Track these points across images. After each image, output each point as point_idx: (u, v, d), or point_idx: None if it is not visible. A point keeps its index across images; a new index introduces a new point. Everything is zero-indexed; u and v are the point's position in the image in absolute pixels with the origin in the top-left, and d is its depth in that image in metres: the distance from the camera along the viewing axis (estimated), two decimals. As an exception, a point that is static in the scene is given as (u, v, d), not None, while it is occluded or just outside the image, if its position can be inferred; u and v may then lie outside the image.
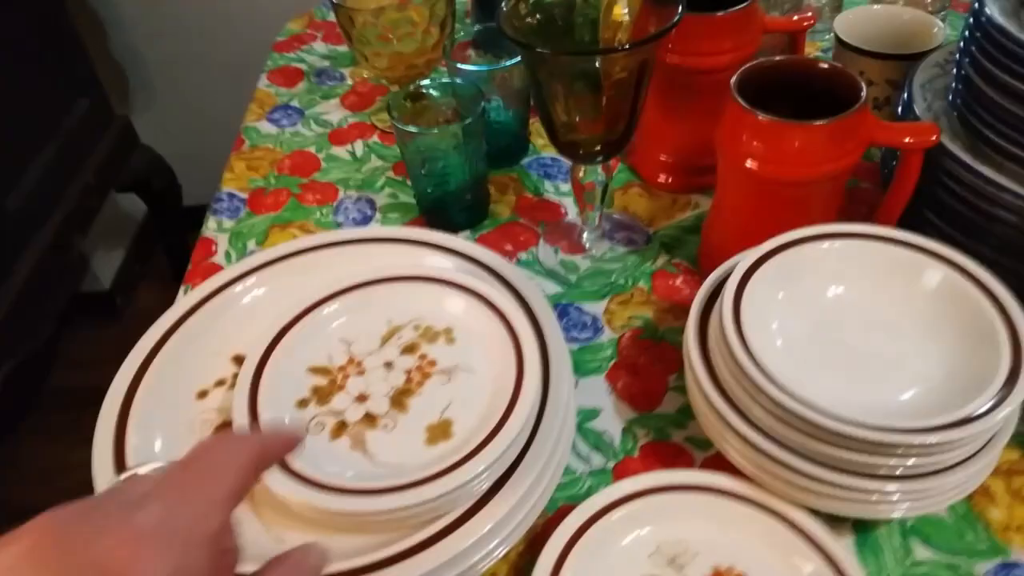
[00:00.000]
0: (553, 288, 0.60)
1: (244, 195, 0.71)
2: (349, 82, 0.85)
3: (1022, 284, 0.44)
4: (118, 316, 1.59)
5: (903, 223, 0.53)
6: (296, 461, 0.40)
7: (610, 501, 0.42)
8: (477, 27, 0.71)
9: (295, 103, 0.82)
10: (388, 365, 0.47)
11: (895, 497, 0.40)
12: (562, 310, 0.58)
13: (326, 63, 0.88)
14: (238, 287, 0.52)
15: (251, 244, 0.66)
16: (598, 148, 0.54)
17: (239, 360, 0.48)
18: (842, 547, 0.40)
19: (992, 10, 0.48)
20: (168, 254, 1.59)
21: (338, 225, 0.67)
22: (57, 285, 1.16)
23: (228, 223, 0.68)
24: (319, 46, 0.91)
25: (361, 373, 0.46)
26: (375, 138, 0.76)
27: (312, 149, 0.76)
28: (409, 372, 0.46)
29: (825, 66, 0.52)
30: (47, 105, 1.16)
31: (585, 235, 0.62)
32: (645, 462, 0.48)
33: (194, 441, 0.44)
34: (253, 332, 0.48)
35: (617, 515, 0.42)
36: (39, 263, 1.08)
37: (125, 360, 0.47)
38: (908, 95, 0.57)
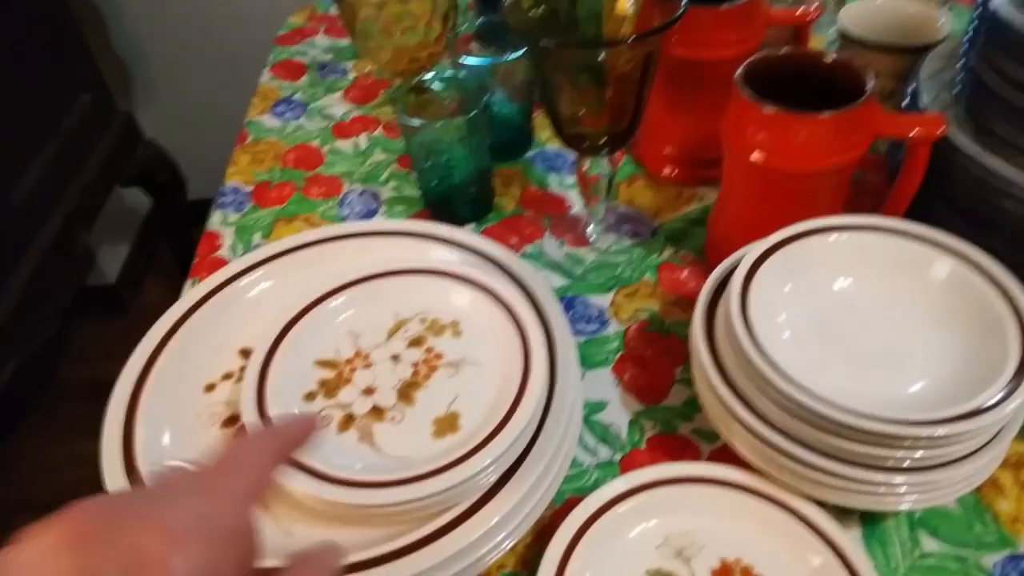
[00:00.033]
0: (559, 281, 0.60)
1: (249, 189, 0.71)
2: (352, 75, 0.84)
3: (1030, 275, 0.44)
4: (124, 310, 1.59)
5: (910, 215, 0.53)
6: (304, 454, 0.40)
7: (617, 493, 0.42)
8: (480, 20, 0.70)
9: (298, 96, 0.82)
10: (395, 358, 0.47)
11: (903, 489, 0.40)
12: (568, 303, 0.58)
13: (328, 56, 0.88)
14: (244, 280, 0.52)
15: (256, 238, 0.66)
16: (603, 141, 0.54)
17: (246, 353, 0.49)
18: (849, 539, 0.40)
19: (999, 2, 0.48)
20: (173, 248, 1.59)
21: (343, 218, 0.67)
22: (62, 280, 1.16)
23: (233, 217, 0.68)
24: (321, 39, 0.91)
25: (368, 366, 0.46)
26: (379, 131, 0.76)
27: (316, 143, 0.75)
28: (416, 365, 0.46)
29: (831, 58, 0.52)
30: (49, 101, 1.16)
31: (590, 228, 0.62)
32: (652, 454, 0.48)
33: (202, 435, 0.45)
34: (260, 325, 0.48)
35: (624, 507, 0.42)
36: (44, 258, 1.08)
37: (132, 354, 0.47)
38: (914, 88, 0.57)
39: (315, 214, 0.68)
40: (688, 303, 0.57)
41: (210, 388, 0.47)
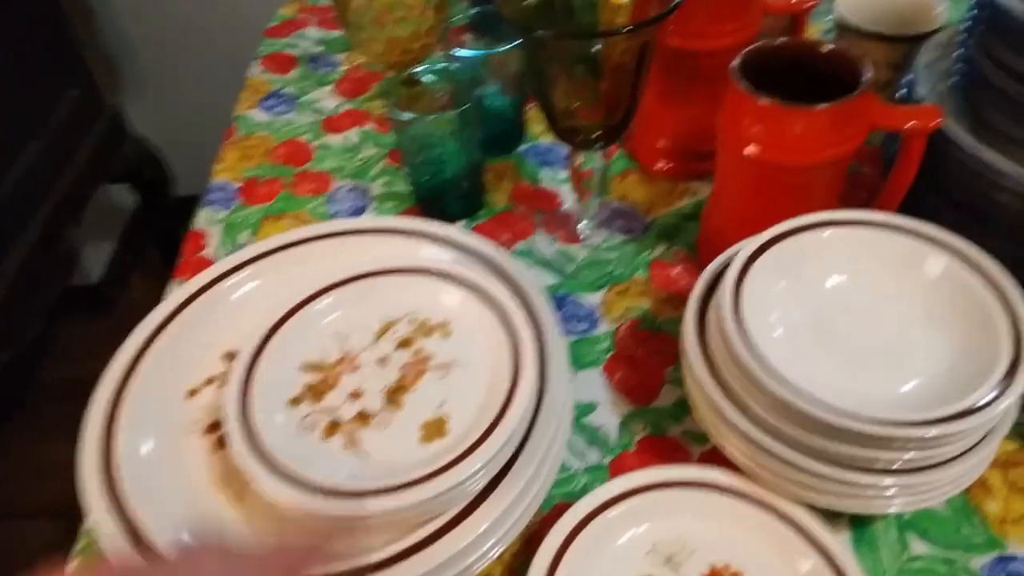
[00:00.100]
0: (550, 279, 0.59)
1: (237, 185, 0.70)
2: (343, 68, 0.83)
3: (1025, 270, 0.43)
4: (109, 309, 1.57)
5: (905, 208, 0.52)
6: (289, 462, 0.39)
7: (606, 499, 0.42)
8: (473, 11, 0.69)
9: (288, 90, 0.81)
10: (383, 361, 0.46)
11: (892, 492, 0.39)
12: (559, 301, 0.57)
13: (320, 48, 0.87)
14: (229, 281, 0.51)
15: (244, 236, 0.65)
16: (598, 134, 0.53)
17: (230, 356, 0.48)
18: (839, 543, 0.40)
19: (998, -10, 0.47)
20: (159, 246, 1.58)
21: (332, 215, 0.66)
22: (47, 278, 1.15)
23: (220, 214, 0.67)
24: (312, 31, 0.90)
25: (355, 369, 0.46)
26: (370, 125, 0.75)
27: (306, 137, 0.75)
28: (404, 368, 0.46)
29: (827, 49, 0.51)
30: (35, 96, 1.15)
31: (583, 224, 0.61)
32: (641, 457, 0.48)
33: (183, 442, 0.44)
34: (245, 327, 0.47)
35: (613, 513, 0.41)
36: (29, 256, 1.07)
37: (112, 360, 0.46)
38: (911, 78, 0.56)
39: (304, 211, 0.67)
40: (680, 300, 0.56)
41: (192, 393, 0.46)
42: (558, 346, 0.46)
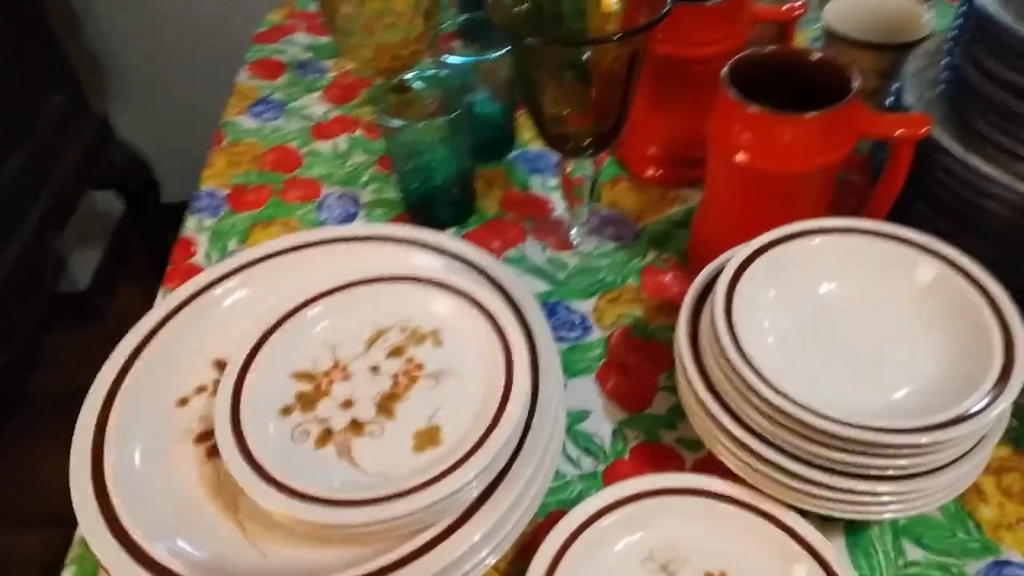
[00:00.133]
0: (541, 286, 0.59)
1: (225, 192, 0.69)
2: (332, 74, 0.83)
3: (1013, 276, 0.43)
4: (97, 316, 1.56)
5: (893, 215, 0.52)
6: (281, 471, 0.39)
7: (601, 506, 0.41)
8: (463, 17, 0.69)
9: (277, 96, 0.80)
10: (374, 369, 0.46)
11: (886, 498, 0.39)
12: (551, 308, 0.57)
13: (308, 55, 0.86)
14: (219, 289, 0.51)
15: (232, 243, 0.64)
16: (588, 141, 0.53)
17: (220, 365, 0.47)
18: (834, 549, 0.40)
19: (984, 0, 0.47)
20: (148, 252, 1.56)
21: (322, 222, 0.66)
22: (34, 287, 1.14)
23: (208, 222, 0.67)
24: (301, 37, 0.89)
25: (347, 378, 0.45)
26: (359, 132, 0.75)
27: (294, 144, 0.74)
28: (396, 376, 0.45)
29: (816, 57, 0.51)
30: (20, 102, 1.13)
31: (573, 231, 0.61)
32: (636, 464, 0.48)
33: (174, 451, 0.43)
34: (235, 336, 0.47)
35: (608, 521, 0.41)
36: (15, 264, 1.06)
37: (101, 369, 0.45)
38: (898, 86, 0.56)
39: (293, 218, 0.66)
40: (672, 307, 0.56)
41: (183, 402, 0.46)
42: (550, 353, 0.46)
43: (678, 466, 0.47)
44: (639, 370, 0.53)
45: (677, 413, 0.49)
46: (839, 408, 0.38)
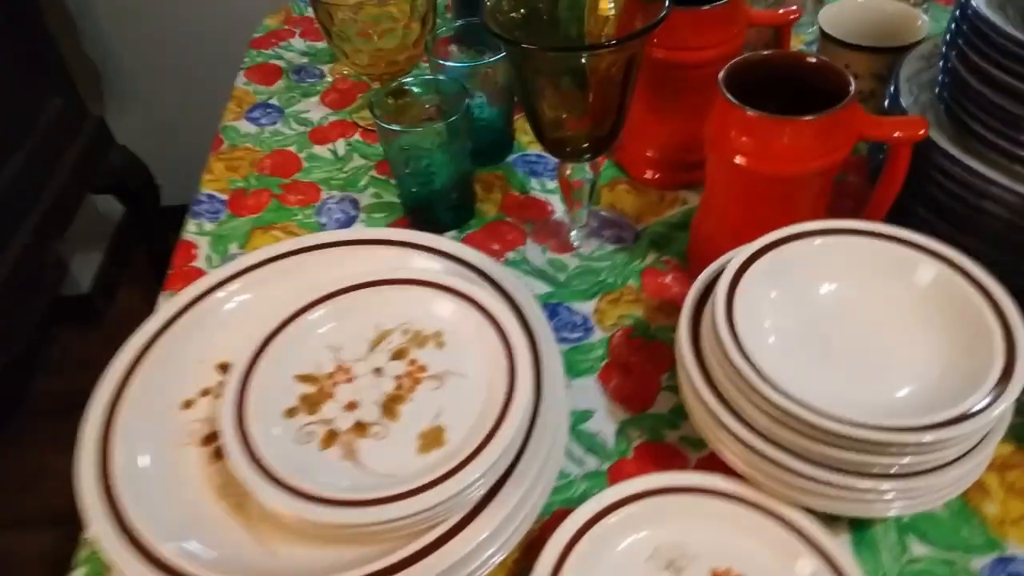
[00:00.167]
0: (542, 288, 0.59)
1: (224, 197, 0.69)
2: (329, 79, 0.83)
3: (1011, 276, 0.44)
4: (99, 319, 1.56)
5: (890, 217, 0.53)
6: (287, 473, 0.39)
7: (605, 505, 0.42)
8: (459, 22, 0.69)
9: (274, 101, 0.81)
10: (377, 371, 0.46)
11: (890, 496, 0.39)
12: (552, 310, 0.57)
13: (305, 60, 0.87)
14: (220, 293, 0.51)
15: (233, 247, 0.65)
16: (585, 145, 0.54)
17: (224, 368, 0.48)
18: (839, 546, 0.40)
19: (978, 2, 0.48)
20: (148, 255, 1.57)
21: (321, 226, 0.66)
22: (36, 290, 1.13)
23: (209, 226, 0.67)
24: (297, 42, 0.90)
25: (350, 380, 0.45)
26: (357, 136, 0.75)
27: (293, 148, 0.74)
28: (399, 378, 0.45)
29: (813, 60, 0.51)
30: (18, 107, 1.13)
31: (573, 233, 0.61)
32: (639, 463, 0.48)
33: (180, 453, 0.43)
34: (238, 338, 0.47)
35: (613, 519, 0.41)
36: (16, 268, 1.06)
37: (105, 373, 0.45)
38: (895, 88, 0.57)
39: (293, 222, 0.66)
40: (672, 308, 0.57)
41: (188, 405, 0.46)
42: (553, 354, 0.46)
43: (682, 465, 0.47)
44: (641, 370, 0.53)
45: (680, 413, 0.50)
46: (841, 407, 0.38)
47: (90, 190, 1.32)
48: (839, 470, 0.39)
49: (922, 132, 0.49)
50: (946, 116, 0.53)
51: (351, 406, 0.44)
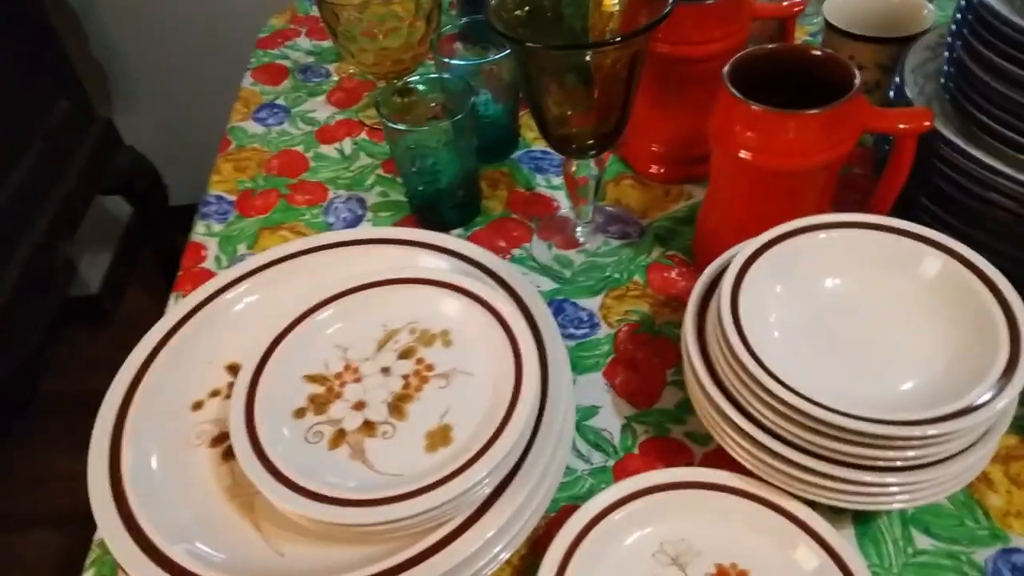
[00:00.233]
0: (548, 284, 0.59)
1: (232, 197, 0.70)
2: (335, 78, 0.84)
3: (1017, 268, 0.44)
4: (108, 320, 1.58)
5: (897, 209, 0.52)
6: (296, 473, 0.39)
7: (612, 501, 0.42)
8: (464, 20, 0.70)
9: (281, 101, 0.81)
10: (385, 371, 0.46)
11: (894, 489, 0.40)
12: (558, 306, 0.57)
13: (311, 59, 0.87)
14: (230, 294, 0.51)
15: (241, 248, 0.65)
16: (591, 142, 0.54)
17: (233, 369, 0.48)
18: (843, 539, 0.40)
19: (984, -8, 0.47)
20: (156, 255, 1.58)
21: (329, 226, 0.66)
22: (45, 291, 1.15)
23: (217, 227, 0.67)
24: (303, 42, 0.90)
25: (358, 380, 0.46)
26: (363, 135, 0.75)
27: (300, 148, 0.75)
28: (407, 377, 0.46)
29: (818, 53, 0.51)
30: (27, 109, 1.14)
31: (579, 229, 0.61)
32: (645, 459, 0.48)
33: (190, 454, 0.44)
34: (246, 339, 0.47)
35: (619, 515, 0.42)
36: (26, 269, 1.07)
37: (117, 374, 0.46)
38: (900, 79, 0.57)
39: (300, 222, 0.67)
40: (678, 303, 0.57)
41: (197, 406, 0.46)
42: (559, 351, 0.47)
43: (687, 460, 0.48)
44: (647, 366, 0.53)
45: (685, 408, 0.50)
46: (846, 401, 0.38)
47: (98, 191, 1.33)
48: (844, 464, 0.39)
49: (927, 123, 0.49)
50: (952, 107, 0.53)
51: (359, 406, 0.44)
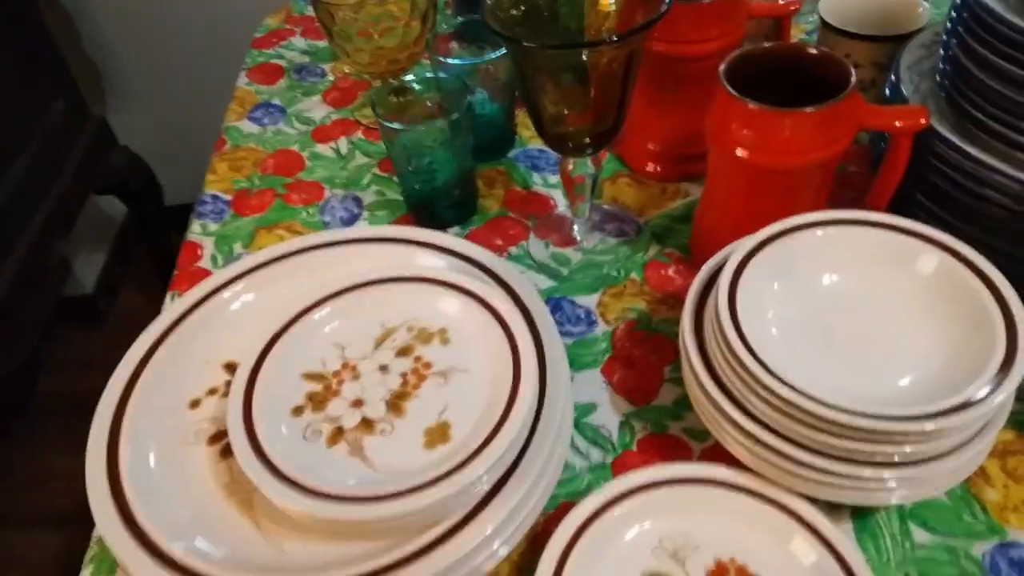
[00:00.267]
0: (545, 282, 0.59)
1: (228, 197, 0.70)
2: (330, 78, 0.83)
3: (1013, 265, 0.44)
4: (102, 319, 1.57)
5: (892, 206, 0.53)
6: (295, 470, 0.39)
7: (610, 497, 0.42)
8: (459, 19, 0.70)
9: (276, 101, 0.81)
10: (383, 368, 0.46)
11: (892, 484, 0.40)
12: (555, 304, 0.57)
13: (306, 59, 0.87)
14: (226, 293, 0.51)
15: (237, 247, 0.65)
16: (587, 140, 0.54)
17: (231, 367, 0.48)
18: (841, 534, 0.40)
19: (979, -10, 0.48)
20: (151, 255, 1.57)
21: (325, 225, 0.66)
22: (40, 290, 1.14)
23: (213, 226, 0.67)
24: (298, 41, 0.90)
25: (356, 378, 0.46)
26: (359, 134, 0.75)
27: (296, 148, 0.75)
28: (405, 375, 0.46)
29: (814, 51, 0.51)
30: (21, 108, 1.14)
31: (576, 227, 0.61)
32: (644, 455, 0.48)
33: (188, 452, 0.44)
34: (244, 338, 0.47)
35: (618, 511, 0.42)
36: (21, 268, 1.06)
37: (114, 373, 0.46)
38: (895, 77, 0.57)
39: (296, 221, 0.67)
40: (675, 301, 0.57)
41: (195, 404, 0.46)
42: (556, 348, 0.47)
43: (685, 456, 0.48)
44: (644, 363, 0.53)
45: (683, 404, 0.50)
46: (843, 397, 0.38)
47: (93, 191, 1.33)
48: (842, 459, 0.39)
49: (923, 121, 0.49)
50: (947, 104, 0.53)
51: (357, 403, 0.44)
